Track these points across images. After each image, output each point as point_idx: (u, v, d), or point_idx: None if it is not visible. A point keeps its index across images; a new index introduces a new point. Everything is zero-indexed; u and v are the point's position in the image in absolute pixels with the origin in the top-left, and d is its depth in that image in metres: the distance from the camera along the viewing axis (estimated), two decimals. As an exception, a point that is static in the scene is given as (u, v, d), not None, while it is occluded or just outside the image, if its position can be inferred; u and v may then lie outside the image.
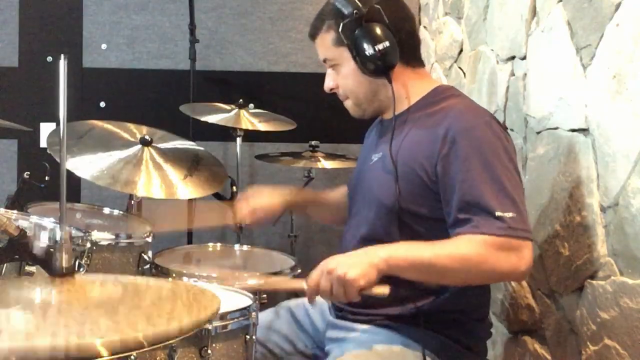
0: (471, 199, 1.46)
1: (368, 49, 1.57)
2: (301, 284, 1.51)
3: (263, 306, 1.83)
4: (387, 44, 1.57)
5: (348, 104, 1.72)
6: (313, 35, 1.70)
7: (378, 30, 1.57)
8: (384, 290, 1.44)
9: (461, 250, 1.44)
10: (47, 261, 1.07)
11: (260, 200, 1.93)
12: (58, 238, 1.03)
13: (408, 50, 1.64)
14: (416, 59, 1.69)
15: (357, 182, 1.77)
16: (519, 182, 1.52)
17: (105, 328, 0.87)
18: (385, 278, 1.54)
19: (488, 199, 1.44)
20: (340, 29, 1.59)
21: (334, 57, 1.66)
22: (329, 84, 1.71)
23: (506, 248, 1.42)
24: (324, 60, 1.70)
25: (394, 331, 1.58)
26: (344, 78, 1.67)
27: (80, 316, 0.90)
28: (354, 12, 1.57)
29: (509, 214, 1.43)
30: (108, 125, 2.29)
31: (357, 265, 1.41)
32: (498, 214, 1.43)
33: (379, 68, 1.59)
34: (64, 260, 1.03)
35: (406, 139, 1.60)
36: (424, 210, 1.55)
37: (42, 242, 1.12)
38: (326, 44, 1.66)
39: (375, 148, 1.73)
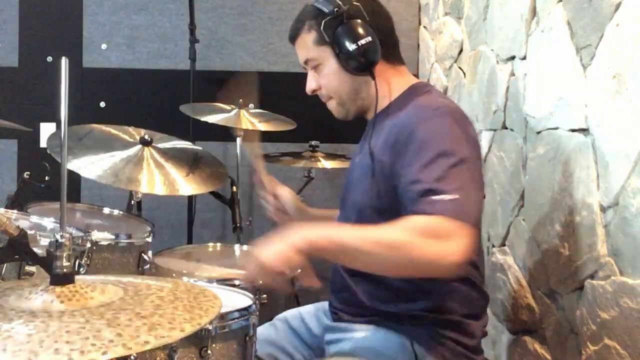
0: (415, 187, 1.41)
1: (350, 45, 1.57)
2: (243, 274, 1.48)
3: (263, 306, 1.83)
4: (369, 39, 1.57)
5: (332, 104, 1.71)
6: (293, 38, 1.69)
7: (359, 27, 1.58)
8: (314, 283, 1.40)
9: (388, 234, 1.34)
10: (47, 262, 1.07)
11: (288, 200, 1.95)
12: (58, 240, 1.03)
13: (388, 48, 1.64)
14: (396, 57, 1.69)
15: (344, 188, 1.76)
16: (472, 170, 1.45)
17: (107, 341, 0.87)
18: (381, 277, 1.54)
19: (429, 184, 1.38)
20: (322, 27, 1.59)
21: (315, 57, 1.66)
22: (311, 85, 1.70)
23: (436, 231, 1.32)
24: (305, 62, 1.69)
25: (390, 330, 1.58)
26: (326, 77, 1.66)
27: (82, 328, 0.91)
28: (335, 9, 1.58)
29: (451, 196, 1.36)
30: (107, 128, 2.30)
31: (275, 248, 1.34)
32: (437, 196, 1.36)
33: (361, 64, 1.59)
34: (63, 265, 1.03)
35: (381, 136, 1.60)
36: (396, 207, 1.50)
37: (41, 245, 1.12)
38: (307, 45, 1.66)
39: (358, 150, 1.73)
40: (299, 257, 1.33)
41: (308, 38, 1.65)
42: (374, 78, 1.61)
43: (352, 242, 1.36)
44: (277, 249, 1.33)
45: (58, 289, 1.01)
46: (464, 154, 1.45)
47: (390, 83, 1.66)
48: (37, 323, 0.92)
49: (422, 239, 1.31)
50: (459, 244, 1.32)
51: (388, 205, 1.53)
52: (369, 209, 1.58)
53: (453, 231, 1.32)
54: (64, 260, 1.03)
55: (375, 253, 1.34)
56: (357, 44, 1.57)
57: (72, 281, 1.03)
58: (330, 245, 1.37)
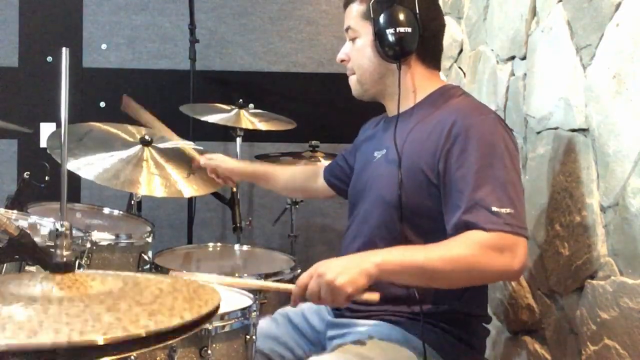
0: (468, 194, 1.45)
1: (388, 30, 1.60)
2: (291, 287, 1.50)
3: (262, 306, 1.83)
4: (408, 30, 1.60)
5: (352, 79, 1.74)
6: (346, 4, 1.73)
7: (404, 15, 1.60)
8: (373, 296, 1.43)
9: (454, 251, 1.41)
10: (46, 259, 1.07)
11: (222, 162, 2.19)
12: (59, 230, 1.03)
13: (427, 48, 1.66)
14: (433, 60, 1.71)
15: (359, 181, 1.76)
16: (519, 181, 1.52)
17: (107, 324, 0.87)
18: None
19: (485, 195, 1.43)
20: (371, 2, 1.63)
21: (356, 28, 1.69)
22: (342, 54, 1.74)
23: (500, 246, 1.40)
24: (347, 29, 1.72)
25: (394, 325, 1.59)
26: (357, 52, 1.69)
27: (81, 313, 0.90)
28: None
29: (506, 210, 1.42)
30: (107, 127, 2.30)
31: (347, 271, 1.38)
32: (494, 209, 1.42)
33: (392, 51, 1.62)
34: (64, 255, 1.03)
35: (411, 134, 1.61)
36: (427, 204, 1.54)
37: (42, 237, 1.12)
38: (353, 14, 1.69)
39: (378, 145, 1.73)
40: (368, 281, 1.39)
41: (357, 8, 1.69)
42: (399, 68, 1.63)
43: (422, 263, 1.42)
44: (352, 275, 1.38)
45: (58, 277, 1.01)
46: (513, 163, 1.51)
47: (417, 80, 1.67)
48: (36, 306, 0.92)
49: (489, 255, 1.40)
50: (520, 256, 1.42)
51: (420, 202, 1.55)
52: (393, 204, 1.58)
53: (514, 245, 1.42)
54: (64, 249, 1.03)
55: (445, 272, 1.42)
56: (395, 31, 1.59)
57: (71, 270, 1.03)
58: (398, 267, 1.42)
